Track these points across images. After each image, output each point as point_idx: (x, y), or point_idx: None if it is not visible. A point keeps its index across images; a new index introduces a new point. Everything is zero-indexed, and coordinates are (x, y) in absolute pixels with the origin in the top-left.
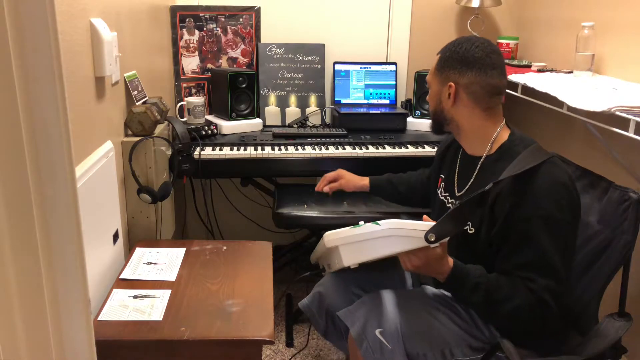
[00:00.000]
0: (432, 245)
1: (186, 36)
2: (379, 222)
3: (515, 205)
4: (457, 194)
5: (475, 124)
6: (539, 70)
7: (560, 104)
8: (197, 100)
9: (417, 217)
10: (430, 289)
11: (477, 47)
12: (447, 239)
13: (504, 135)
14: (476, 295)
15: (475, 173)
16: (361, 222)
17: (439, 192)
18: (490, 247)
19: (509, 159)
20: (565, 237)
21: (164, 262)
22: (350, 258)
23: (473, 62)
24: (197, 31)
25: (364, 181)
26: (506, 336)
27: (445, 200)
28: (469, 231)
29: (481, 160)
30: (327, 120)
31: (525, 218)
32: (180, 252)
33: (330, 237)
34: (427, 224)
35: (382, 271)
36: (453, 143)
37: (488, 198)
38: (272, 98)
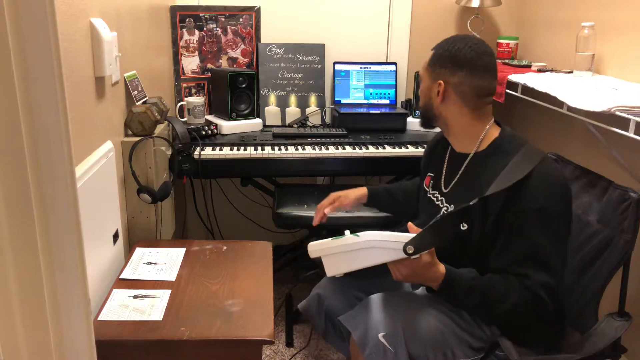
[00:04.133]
0: (412, 257)
1: (186, 36)
2: (358, 233)
3: (508, 199)
4: (445, 191)
5: (463, 122)
6: (539, 70)
7: (560, 104)
8: (197, 100)
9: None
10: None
11: (470, 48)
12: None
13: (494, 132)
14: (471, 298)
15: (462, 169)
16: (346, 232)
17: (428, 189)
18: (483, 243)
19: (500, 155)
20: (559, 230)
21: (164, 262)
22: (332, 269)
23: (464, 62)
24: (197, 31)
25: (361, 191)
26: (505, 334)
27: (434, 198)
28: (461, 228)
29: (469, 157)
30: (327, 120)
31: (518, 211)
32: (180, 252)
33: (312, 247)
34: (407, 235)
35: (381, 273)
36: (441, 141)
37: (473, 211)
38: (272, 98)
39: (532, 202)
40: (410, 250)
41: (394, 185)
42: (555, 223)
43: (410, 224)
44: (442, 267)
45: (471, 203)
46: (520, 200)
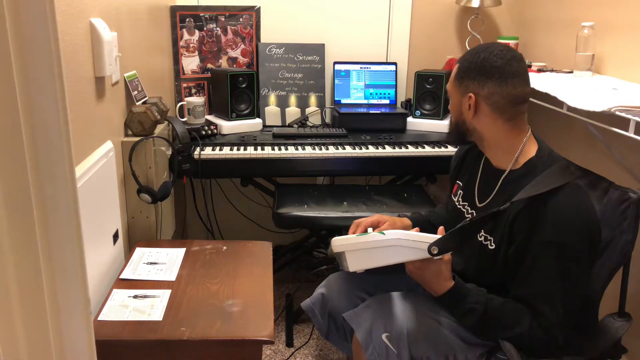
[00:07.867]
0: (435, 258)
1: (186, 36)
2: (384, 231)
3: (535, 228)
4: (478, 205)
5: (498, 135)
6: (539, 70)
7: (560, 104)
8: (197, 100)
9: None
10: None
11: (496, 55)
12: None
13: (531, 149)
14: (468, 319)
15: (497, 187)
16: (369, 229)
17: (455, 199)
18: (508, 267)
19: (534, 176)
20: (581, 269)
21: (164, 262)
22: (355, 264)
23: (492, 71)
24: (197, 31)
25: (405, 222)
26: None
27: (464, 210)
28: (489, 247)
29: (504, 175)
30: (327, 120)
31: (543, 245)
32: (180, 252)
33: (337, 242)
34: (431, 236)
35: (387, 275)
36: (471, 150)
37: (502, 215)
38: (272, 98)
39: (557, 238)
40: (435, 250)
41: (437, 214)
42: (579, 261)
43: (441, 228)
44: (448, 285)
45: (501, 208)
46: (545, 233)
